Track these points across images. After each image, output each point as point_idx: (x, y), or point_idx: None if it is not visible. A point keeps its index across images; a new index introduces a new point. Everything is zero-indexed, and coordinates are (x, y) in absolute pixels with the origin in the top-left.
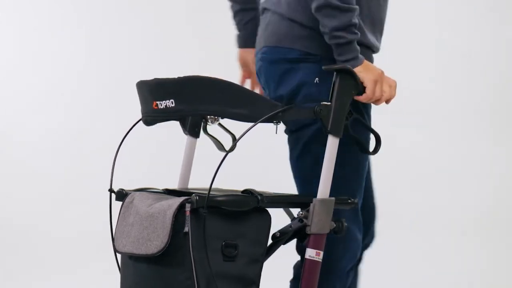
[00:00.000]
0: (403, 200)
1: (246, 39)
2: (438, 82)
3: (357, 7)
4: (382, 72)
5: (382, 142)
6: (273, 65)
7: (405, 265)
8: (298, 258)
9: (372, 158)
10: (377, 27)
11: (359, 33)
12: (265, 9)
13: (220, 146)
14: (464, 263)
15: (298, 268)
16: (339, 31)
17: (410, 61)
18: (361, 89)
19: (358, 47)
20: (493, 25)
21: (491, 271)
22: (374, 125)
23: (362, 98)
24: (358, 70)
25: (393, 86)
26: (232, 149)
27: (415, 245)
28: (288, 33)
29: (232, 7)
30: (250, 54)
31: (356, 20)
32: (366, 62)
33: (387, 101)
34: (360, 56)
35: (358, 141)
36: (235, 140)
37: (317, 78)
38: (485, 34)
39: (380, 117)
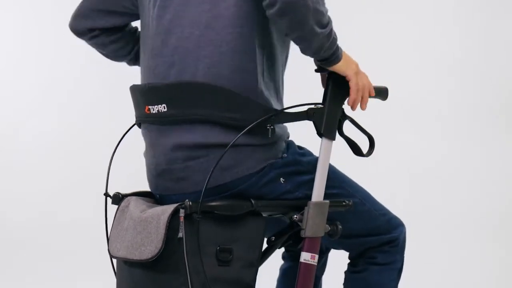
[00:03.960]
0: (407, 200)
1: None
2: (453, 83)
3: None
4: (357, 63)
5: (389, 144)
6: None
7: (411, 265)
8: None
9: (380, 158)
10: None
11: (335, 34)
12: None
13: None
14: (470, 263)
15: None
16: (324, 51)
17: (408, 62)
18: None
19: (337, 44)
20: (487, 25)
21: (498, 271)
22: (380, 126)
23: (352, 93)
24: (339, 65)
25: (367, 78)
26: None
27: (418, 246)
28: (232, 162)
29: (129, 62)
30: None
31: (329, 28)
32: (344, 53)
33: (370, 93)
34: (340, 50)
35: (352, 144)
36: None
37: (281, 179)
38: (480, 34)
39: (386, 118)
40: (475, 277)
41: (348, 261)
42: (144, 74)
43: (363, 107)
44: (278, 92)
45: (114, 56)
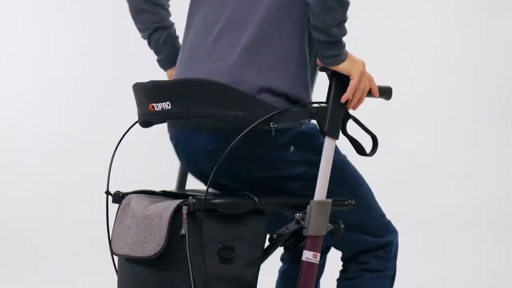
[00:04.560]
0: (415, 200)
1: (171, 59)
2: (454, 81)
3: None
4: (364, 63)
5: (390, 143)
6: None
7: (411, 265)
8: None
9: (381, 158)
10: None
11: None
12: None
13: None
14: (478, 263)
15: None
16: (334, 27)
17: (424, 63)
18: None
19: (344, 42)
20: (487, 25)
21: (506, 271)
22: (381, 126)
23: (348, 92)
24: (344, 65)
25: (372, 80)
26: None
27: (419, 246)
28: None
29: (144, 31)
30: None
31: (347, 15)
32: (350, 54)
33: (374, 92)
34: (345, 50)
35: (355, 143)
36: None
37: (292, 147)
38: (481, 33)
39: (387, 118)
40: (473, 276)
41: (341, 268)
42: (191, 33)
43: (354, 108)
44: (314, 73)
45: (139, 16)
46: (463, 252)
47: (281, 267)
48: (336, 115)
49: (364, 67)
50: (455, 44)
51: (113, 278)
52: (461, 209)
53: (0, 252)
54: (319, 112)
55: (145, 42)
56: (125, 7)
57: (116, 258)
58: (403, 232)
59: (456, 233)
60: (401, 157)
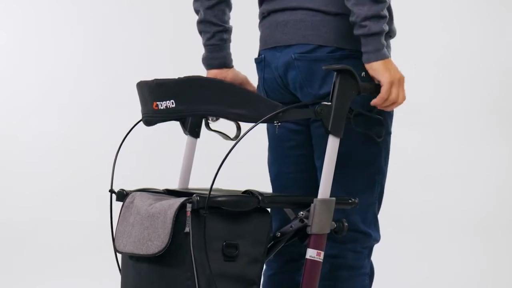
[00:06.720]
0: (406, 200)
1: (229, 58)
2: (443, 82)
3: (388, 0)
4: (402, 77)
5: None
6: (318, 63)
7: (407, 265)
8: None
9: None
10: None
11: (387, 27)
12: (285, 8)
13: (225, 136)
14: (466, 264)
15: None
16: (366, 20)
17: (416, 62)
18: (374, 89)
19: (384, 42)
20: (498, 25)
21: (493, 272)
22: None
23: (376, 100)
24: (376, 66)
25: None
26: (237, 137)
27: (417, 245)
28: (335, 32)
29: (208, 26)
30: (226, 73)
31: (385, 12)
32: (389, 60)
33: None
34: (385, 51)
35: (364, 133)
36: (239, 129)
37: (363, 73)
38: (490, 33)
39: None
40: (460, 275)
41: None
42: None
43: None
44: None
45: (215, 9)
46: (451, 251)
47: (266, 271)
48: (340, 114)
49: (398, 80)
50: (445, 43)
51: (113, 279)
52: (450, 209)
53: (0, 252)
54: (323, 111)
55: (143, 41)
56: (125, 7)
57: (119, 256)
58: (393, 232)
59: (445, 233)
60: (397, 158)
